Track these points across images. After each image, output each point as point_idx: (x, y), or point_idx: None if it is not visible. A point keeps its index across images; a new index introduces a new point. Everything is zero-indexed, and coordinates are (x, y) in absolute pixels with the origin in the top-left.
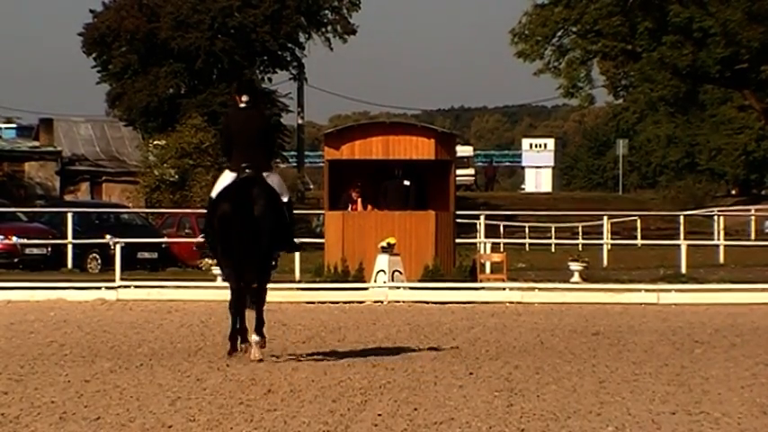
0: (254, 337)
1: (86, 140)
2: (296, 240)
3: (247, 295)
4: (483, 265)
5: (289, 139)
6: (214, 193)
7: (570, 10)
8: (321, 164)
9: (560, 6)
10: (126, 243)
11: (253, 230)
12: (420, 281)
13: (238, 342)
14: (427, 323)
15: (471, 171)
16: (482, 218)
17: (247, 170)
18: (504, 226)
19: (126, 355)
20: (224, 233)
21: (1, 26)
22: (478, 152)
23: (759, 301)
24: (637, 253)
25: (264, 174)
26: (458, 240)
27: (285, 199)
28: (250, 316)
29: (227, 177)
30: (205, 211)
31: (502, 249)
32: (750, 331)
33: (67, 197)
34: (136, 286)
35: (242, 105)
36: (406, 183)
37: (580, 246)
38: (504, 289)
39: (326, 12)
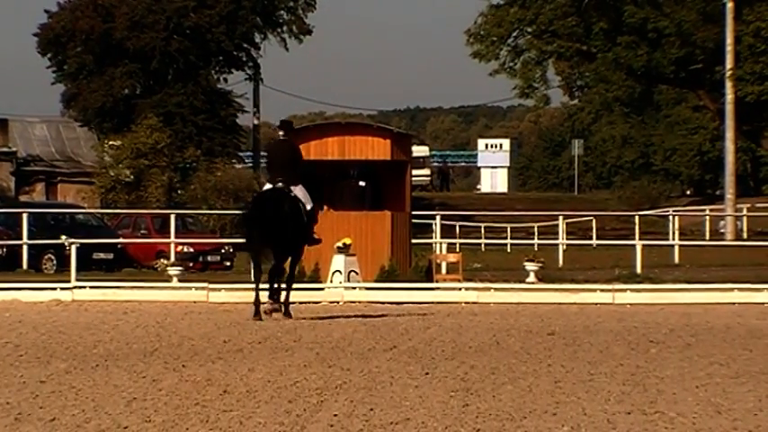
0: (272, 304)
1: (41, 141)
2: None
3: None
4: (439, 266)
5: (244, 139)
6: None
7: (525, 10)
8: None
9: (516, 7)
10: (81, 244)
11: (280, 219)
12: (376, 281)
13: (261, 307)
14: (383, 323)
15: (427, 171)
16: (438, 218)
17: (280, 183)
18: (460, 226)
19: (81, 355)
20: (261, 221)
21: None
22: (434, 152)
23: (713, 301)
24: (592, 253)
25: (292, 186)
26: (414, 241)
27: (309, 207)
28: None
29: (265, 187)
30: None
31: (458, 249)
32: (705, 331)
33: (22, 198)
34: (91, 287)
35: (280, 137)
36: (362, 183)
37: (536, 246)
38: (459, 289)
39: (282, 12)
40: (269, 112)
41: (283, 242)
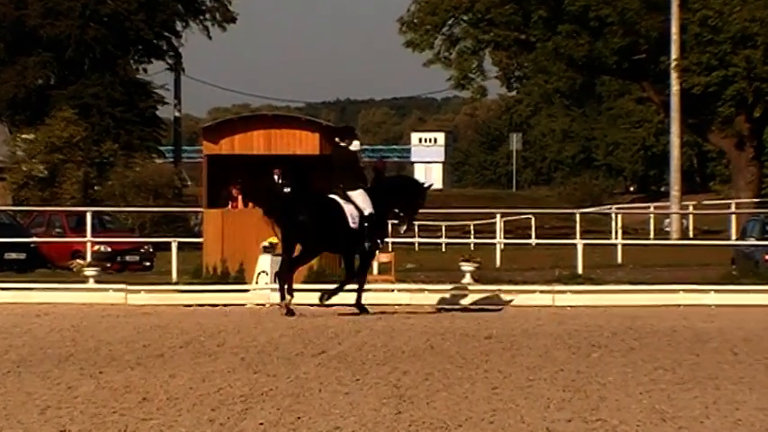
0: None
1: None
2: (373, 243)
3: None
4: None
5: (165, 132)
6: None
7: None
8: (199, 159)
9: None
10: None
11: (297, 226)
12: (304, 282)
13: (285, 295)
14: (312, 327)
15: None
16: None
17: (340, 187)
18: (393, 224)
19: None
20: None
21: None
22: (365, 147)
23: (658, 303)
24: (531, 253)
25: (350, 192)
26: None
27: (367, 212)
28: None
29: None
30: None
31: (390, 249)
32: (649, 334)
33: None
34: (2, 288)
35: (341, 144)
36: (287, 190)
37: (472, 245)
38: (392, 291)
39: None
40: (190, 104)
41: (304, 245)
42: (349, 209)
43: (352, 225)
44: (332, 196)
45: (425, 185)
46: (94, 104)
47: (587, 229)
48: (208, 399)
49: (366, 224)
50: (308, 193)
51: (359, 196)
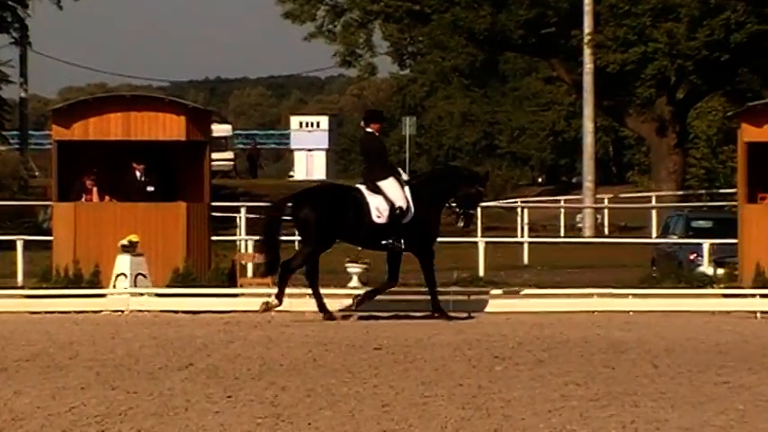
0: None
1: None
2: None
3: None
4: (244, 267)
5: (9, 116)
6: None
7: None
8: (49, 145)
9: None
10: None
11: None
12: (168, 286)
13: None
14: (177, 337)
15: (230, 155)
16: (243, 210)
17: (370, 178)
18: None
19: None
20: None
21: None
22: (239, 132)
23: (569, 310)
24: None
25: (379, 182)
26: (214, 238)
27: (398, 205)
28: None
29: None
30: None
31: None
32: (559, 344)
33: None
34: None
35: (368, 130)
36: (150, 189)
37: None
38: (269, 295)
39: None
40: (39, 83)
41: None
42: (375, 202)
43: (376, 219)
44: (358, 186)
45: (484, 175)
46: None
47: (489, 226)
48: (58, 419)
49: (397, 218)
50: (323, 186)
51: (389, 186)
